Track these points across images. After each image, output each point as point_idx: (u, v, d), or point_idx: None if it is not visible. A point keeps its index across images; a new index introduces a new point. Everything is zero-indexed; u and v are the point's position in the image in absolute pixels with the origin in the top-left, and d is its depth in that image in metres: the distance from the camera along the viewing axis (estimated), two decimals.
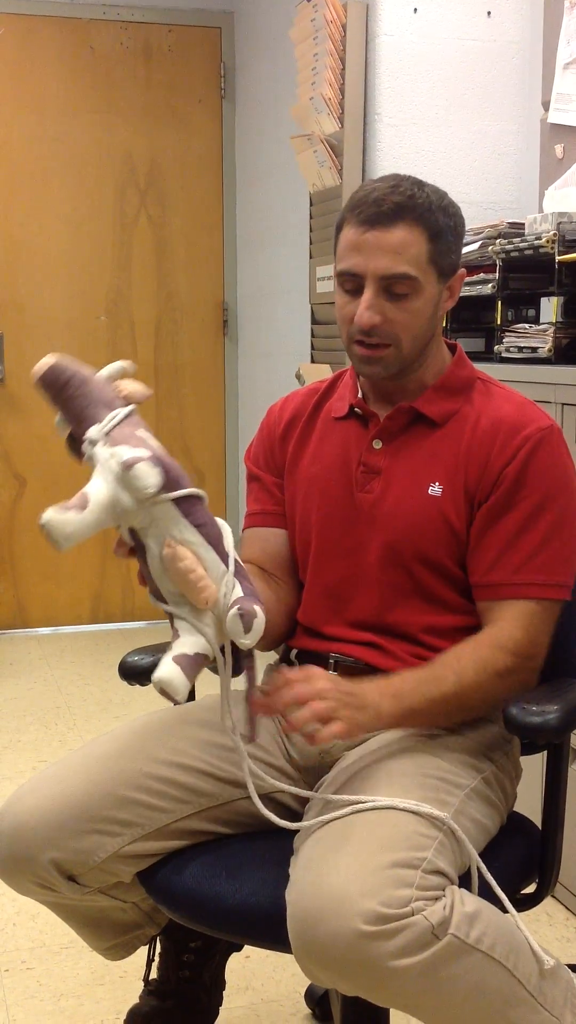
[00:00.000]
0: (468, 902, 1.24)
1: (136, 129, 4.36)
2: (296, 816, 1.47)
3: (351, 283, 1.46)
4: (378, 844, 1.23)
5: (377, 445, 1.53)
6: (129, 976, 1.57)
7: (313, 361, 3.40)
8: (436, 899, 1.20)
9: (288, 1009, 1.98)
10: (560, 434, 1.48)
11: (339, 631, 1.53)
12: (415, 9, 3.04)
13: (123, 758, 1.46)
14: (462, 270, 1.51)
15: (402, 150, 3.10)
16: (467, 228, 2.79)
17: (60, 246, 4.34)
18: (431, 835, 1.27)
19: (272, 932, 1.30)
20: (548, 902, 2.00)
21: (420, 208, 1.42)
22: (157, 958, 1.67)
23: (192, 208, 4.47)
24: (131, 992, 1.71)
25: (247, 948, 1.87)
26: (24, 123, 4.26)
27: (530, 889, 1.48)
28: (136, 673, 1.56)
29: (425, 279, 1.44)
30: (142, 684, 1.54)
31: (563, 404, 2.18)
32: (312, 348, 3.44)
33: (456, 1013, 1.22)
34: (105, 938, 1.54)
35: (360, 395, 1.56)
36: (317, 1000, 1.94)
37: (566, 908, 2.27)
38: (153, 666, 1.52)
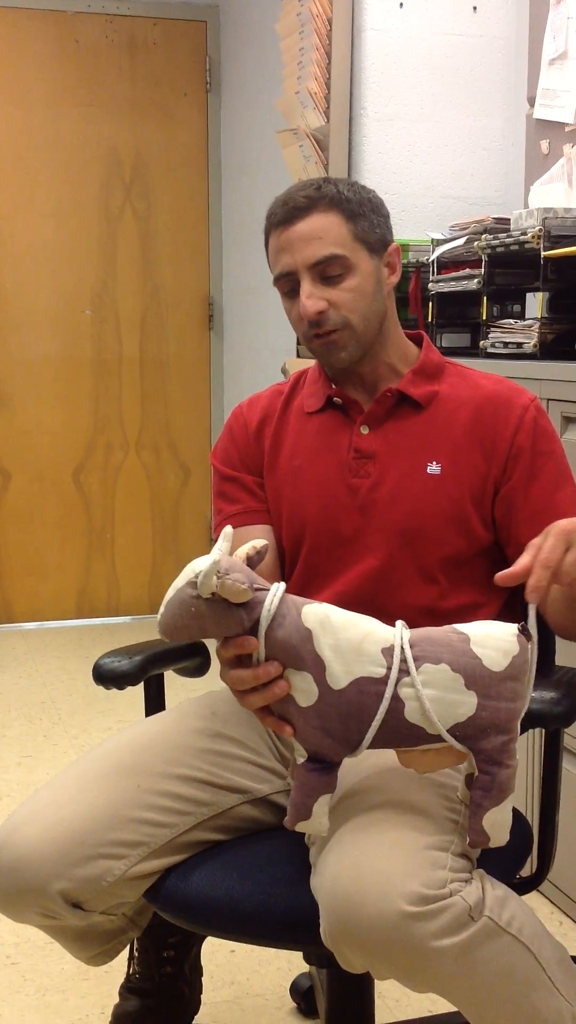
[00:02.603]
0: (496, 885, 1.26)
1: (121, 123, 4.35)
2: None
3: (288, 284, 1.51)
4: (410, 828, 1.24)
5: (364, 430, 1.54)
6: (114, 971, 1.57)
7: (299, 356, 3.40)
8: (467, 882, 1.21)
9: (273, 1003, 1.99)
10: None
11: None
12: (401, 4, 3.04)
13: (119, 776, 1.42)
14: (395, 244, 1.55)
15: (388, 145, 3.10)
16: (453, 223, 2.83)
17: (45, 240, 4.33)
18: (453, 819, 1.29)
19: (293, 930, 1.31)
20: (534, 896, 2.01)
21: (329, 196, 1.48)
22: (136, 955, 1.67)
23: (177, 202, 4.46)
24: (116, 987, 1.71)
25: (232, 943, 1.88)
26: (8, 117, 4.24)
27: (524, 872, 1.48)
28: (113, 677, 1.51)
29: (355, 256, 1.48)
30: (119, 688, 1.51)
31: (548, 399, 2.18)
32: (298, 343, 3.43)
33: (486, 995, 1.24)
34: (91, 948, 1.51)
35: (334, 387, 1.58)
36: (302, 994, 1.94)
37: (551, 902, 2.28)
38: (130, 670, 1.51)
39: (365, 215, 1.50)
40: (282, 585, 1.24)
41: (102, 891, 1.36)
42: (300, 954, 1.98)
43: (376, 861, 1.19)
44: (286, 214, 1.48)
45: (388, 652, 1.22)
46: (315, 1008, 1.91)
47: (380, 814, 1.27)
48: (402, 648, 1.22)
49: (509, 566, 1.40)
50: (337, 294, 1.48)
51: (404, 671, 1.21)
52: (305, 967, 2.01)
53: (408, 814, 1.27)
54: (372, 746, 1.24)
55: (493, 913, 1.21)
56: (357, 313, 1.49)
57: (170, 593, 1.23)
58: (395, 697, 1.21)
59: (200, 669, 1.63)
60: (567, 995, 1.33)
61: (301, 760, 1.26)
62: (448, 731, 1.21)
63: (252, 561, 1.25)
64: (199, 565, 1.20)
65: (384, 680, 1.21)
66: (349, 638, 1.23)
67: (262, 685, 1.22)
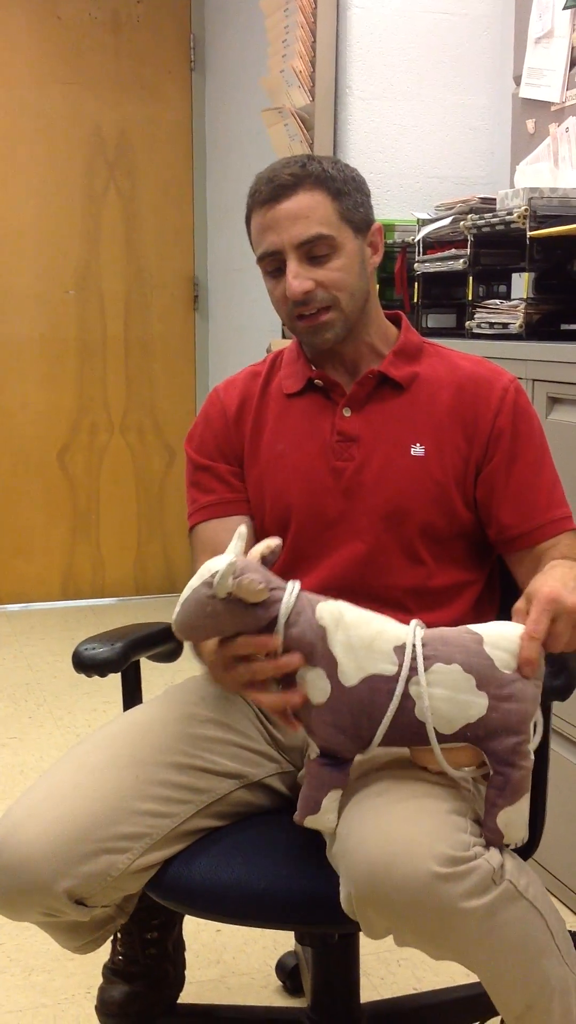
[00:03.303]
0: (509, 853, 1.27)
1: (105, 100, 4.31)
2: (286, 798, 1.48)
3: (273, 263, 1.49)
4: (429, 795, 1.26)
5: (347, 413, 1.54)
6: (99, 951, 1.57)
7: (284, 337, 3.39)
8: (486, 847, 1.23)
9: (259, 982, 1.99)
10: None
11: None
12: None
13: (117, 768, 1.40)
14: (377, 223, 1.54)
15: (373, 124, 3.08)
16: (439, 203, 2.82)
17: (28, 219, 4.30)
18: (465, 790, 1.30)
19: (302, 910, 1.32)
20: None
21: (314, 174, 1.47)
22: (120, 938, 1.67)
23: (162, 181, 4.43)
24: (101, 966, 1.71)
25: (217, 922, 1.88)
26: None
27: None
28: (94, 665, 1.49)
29: (341, 236, 1.47)
30: (101, 675, 1.50)
31: (534, 380, 2.18)
32: (283, 323, 3.42)
33: (503, 960, 1.25)
34: (81, 938, 1.51)
35: (314, 368, 1.57)
36: (288, 973, 1.95)
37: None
38: (111, 657, 1.50)
39: (350, 194, 1.49)
40: (298, 583, 1.26)
41: (107, 886, 1.35)
42: (285, 933, 1.99)
43: (403, 824, 1.20)
44: (272, 192, 1.46)
45: (400, 650, 1.24)
46: (301, 986, 1.92)
47: (398, 784, 1.28)
48: (413, 647, 1.23)
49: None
50: (324, 274, 1.47)
51: (415, 669, 1.23)
52: (290, 946, 2.02)
53: (424, 783, 1.28)
54: (383, 743, 1.26)
55: (513, 878, 1.23)
56: (344, 292, 1.48)
57: (186, 593, 1.24)
58: (405, 695, 1.23)
59: (173, 654, 1.62)
60: (571, 965, 1.36)
61: (314, 756, 1.27)
62: (459, 731, 1.22)
63: (267, 560, 1.27)
64: (215, 565, 1.22)
65: (395, 678, 1.23)
66: (361, 635, 1.25)
67: (282, 682, 1.24)
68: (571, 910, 2.10)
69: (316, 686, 1.24)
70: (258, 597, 1.22)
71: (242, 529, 1.28)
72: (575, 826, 2.09)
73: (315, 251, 1.46)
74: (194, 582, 1.23)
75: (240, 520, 1.58)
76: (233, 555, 1.22)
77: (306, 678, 1.24)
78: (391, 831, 1.20)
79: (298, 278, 1.46)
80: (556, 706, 2.03)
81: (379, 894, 1.19)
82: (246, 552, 1.27)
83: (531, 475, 1.51)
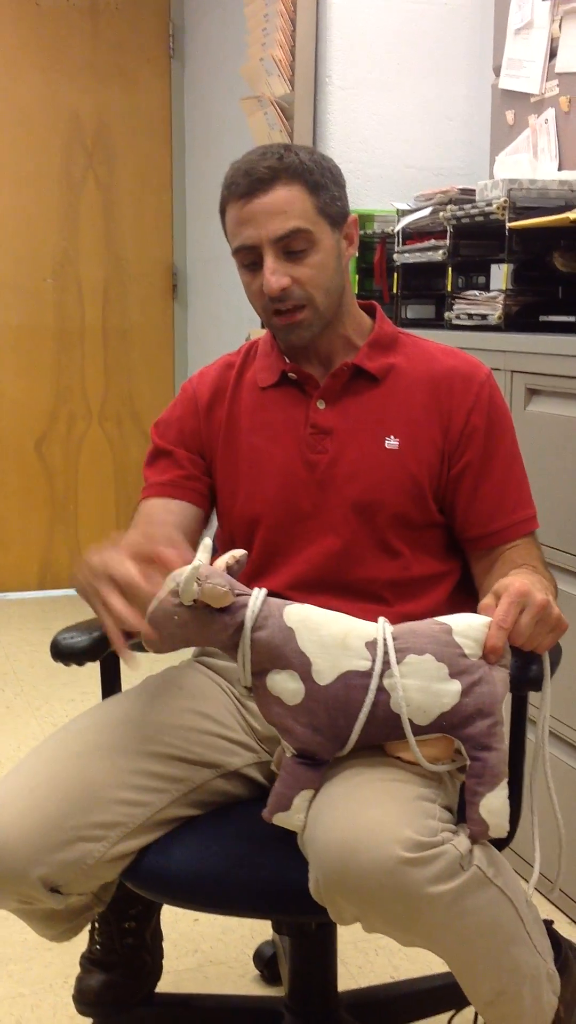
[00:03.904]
0: (484, 841, 1.28)
1: (83, 88, 4.29)
2: (264, 788, 1.48)
3: (249, 257, 1.48)
4: (399, 780, 1.26)
5: (321, 405, 1.54)
6: (77, 940, 1.57)
7: (263, 327, 3.38)
8: (455, 832, 1.24)
9: (236, 971, 2.00)
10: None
11: (295, 596, 1.52)
12: None
13: (93, 756, 1.40)
14: (353, 215, 1.54)
15: (353, 114, 3.08)
16: (418, 193, 2.82)
17: (5, 207, 4.27)
18: (435, 777, 1.31)
19: (280, 900, 1.32)
20: None
21: (292, 167, 1.45)
22: (98, 928, 1.67)
23: (141, 169, 4.41)
24: (79, 955, 1.71)
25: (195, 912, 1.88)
26: None
27: None
28: (72, 653, 1.48)
29: (319, 231, 1.47)
30: (79, 664, 1.49)
31: (512, 371, 2.19)
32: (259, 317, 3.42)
33: (472, 946, 1.26)
34: (58, 926, 1.51)
35: (288, 361, 1.57)
36: (266, 962, 1.96)
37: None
38: (89, 646, 1.50)
39: (327, 187, 1.48)
40: (263, 590, 1.28)
41: (82, 874, 1.35)
42: (263, 922, 2.00)
43: (369, 810, 1.21)
44: (249, 186, 1.45)
45: (372, 646, 1.26)
46: (278, 975, 1.92)
47: (368, 771, 1.28)
48: (384, 641, 1.25)
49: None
50: (301, 271, 1.46)
51: (388, 663, 1.24)
52: (268, 935, 2.03)
53: (393, 768, 1.29)
54: (361, 740, 1.27)
55: (481, 864, 1.24)
56: (320, 290, 1.48)
57: (153, 605, 1.25)
58: (380, 689, 1.24)
59: None
60: (543, 953, 1.37)
61: (289, 753, 1.28)
62: (435, 721, 1.24)
63: (232, 570, 1.28)
64: (180, 575, 1.22)
65: (369, 673, 1.24)
66: (333, 634, 1.26)
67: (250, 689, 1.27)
68: None
69: (288, 688, 1.25)
70: (223, 601, 1.23)
71: (207, 541, 1.28)
72: None
73: (292, 246, 1.45)
74: (160, 593, 1.24)
75: (186, 507, 1.58)
76: (198, 562, 1.22)
77: (276, 681, 1.25)
78: (358, 817, 1.21)
79: (276, 274, 1.45)
80: (560, 712, 2.04)
81: (346, 880, 1.19)
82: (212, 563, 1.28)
83: (500, 476, 1.53)
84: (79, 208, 4.36)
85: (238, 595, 1.25)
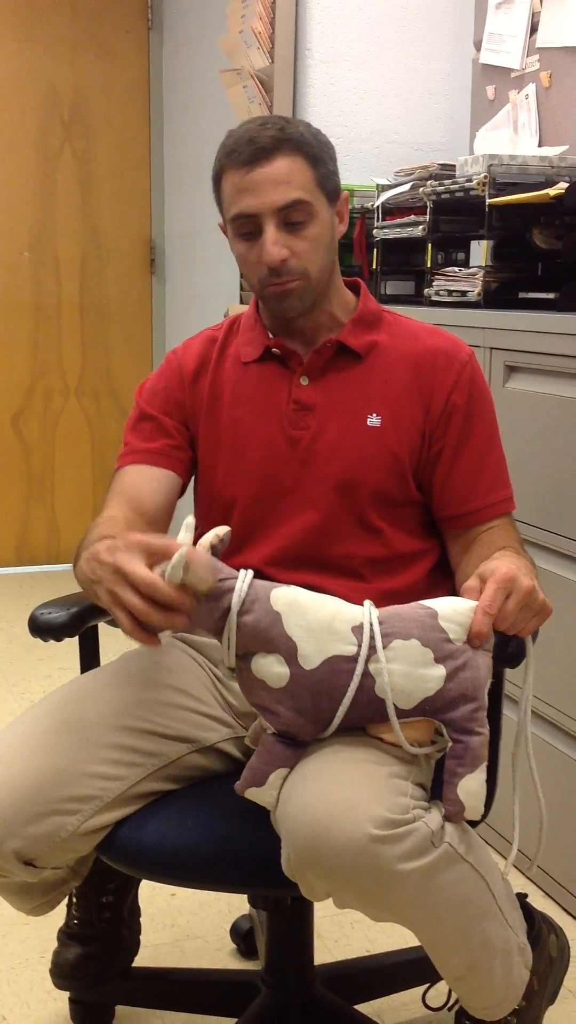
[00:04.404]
0: None
1: (60, 59, 4.24)
2: (239, 763, 1.48)
3: (247, 226, 1.47)
4: (373, 758, 1.27)
5: (304, 381, 1.53)
6: (54, 915, 1.57)
7: (242, 302, 3.37)
8: (426, 810, 1.25)
9: (213, 945, 2.01)
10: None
11: (273, 571, 1.52)
12: None
13: (67, 731, 1.40)
14: (345, 192, 1.54)
15: (333, 87, 3.06)
16: (398, 168, 2.81)
17: None
18: (409, 757, 1.31)
19: (254, 874, 1.33)
20: None
21: (294, 138, 1.45)
22: (75, 902, 1.67)
23: (118, 142, 4.37)
24: (56, 930, 1.71)
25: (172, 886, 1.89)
26: None
27: None
28: (49, 629, 1.48)
29: (317, 203, 1.47)
30: (56, 639, 1.49)
31: (491, 348, 2.19)
32: (241, 288, 3.40)
33: (442, 921, 1.27)
34: (33, 900, 1.51)
35: (272, 336, 1.56)
36: (242, 936, 1.97)
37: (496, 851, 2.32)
38: (67, 621, 1.49)
39: (325, 162, 1.49)
40: (250, 572, 1.27)
41: (55, 847, 1.35)
42: (240, 897, 2.01)
43: (342, 788, 1.22)
44: (252, 154, 1.43)
45: (358, 630, 1.26)
46: (255, 949, 1.93)
47: (341, 749, 1.29)
48: (371, 625, 1.25)
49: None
50: (298, 243, 1.46)
51: (374, 648, 1.24)
52: (245, 909, 2.04)
53: (367, 748, 1.29)
54: (344, 723, 1.27)
55: (453, 841, 1.25)
56: (315, 264, 1.48)
57: None
58: (366, 673, 1.24)
59: None
60: (514, 927, 1.38)
61: (271, 732, 1.28)
62: (418, 705, 1.25)
63: (216, 548, 1.27)
64: (166, 565, 1.22)
65: (355, 657, 1.24)
66: (320, 618, 1.26)
67: (235, 670, 1.27)
68: (572, 916, 2.10)
69: (273, 672, 1.25)
70: (207, 585, 1.22)
71: (190, 520, 1.28)
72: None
73: (292, 216, 1.45)
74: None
75: (169, 476, 1.57)
76: (184, 547, 1.21)
77: (261, 665, 1.25)
78: (329, 794, 1.22)
79: (276, 244, 1.44)
80: (560, 701, 2.05)
81: (317, 857, 1.20)
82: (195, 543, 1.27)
83: (478, 456, 1.53)
84: (56, 181, 4.31)
85: (223, 580, 1.25)
